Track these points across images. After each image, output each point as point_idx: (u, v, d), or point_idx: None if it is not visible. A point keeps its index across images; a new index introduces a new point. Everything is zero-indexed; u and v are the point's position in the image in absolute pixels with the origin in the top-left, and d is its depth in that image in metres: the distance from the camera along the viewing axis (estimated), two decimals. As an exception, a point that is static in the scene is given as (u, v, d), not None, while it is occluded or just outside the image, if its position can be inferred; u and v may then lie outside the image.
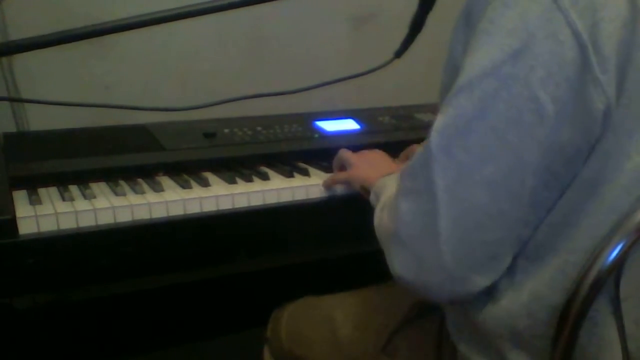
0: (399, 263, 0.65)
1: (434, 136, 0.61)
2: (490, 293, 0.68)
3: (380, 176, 0.88)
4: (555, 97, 0.57)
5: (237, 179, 1.07)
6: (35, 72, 1.34)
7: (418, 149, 0.65)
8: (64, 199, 0.95)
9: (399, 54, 1.01)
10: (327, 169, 1.14)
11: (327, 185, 1.07)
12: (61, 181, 1.02)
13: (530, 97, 0.57)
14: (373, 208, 0.83)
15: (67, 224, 0.89)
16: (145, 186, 1.02)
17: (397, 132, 1.35)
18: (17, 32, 1.28)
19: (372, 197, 0.87)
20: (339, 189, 1.07)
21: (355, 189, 0.99)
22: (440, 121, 0.61)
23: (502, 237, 0.62)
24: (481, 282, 0.63)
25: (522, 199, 0.60)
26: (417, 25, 0.96)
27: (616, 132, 0.59)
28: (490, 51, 0.58)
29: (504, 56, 0.57)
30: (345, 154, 1.07)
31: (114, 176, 1.06)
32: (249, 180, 1.07)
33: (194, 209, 0.98)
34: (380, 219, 0.76)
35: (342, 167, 1.07)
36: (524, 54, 0.57)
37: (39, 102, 1.08)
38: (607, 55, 0.56)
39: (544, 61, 0.56)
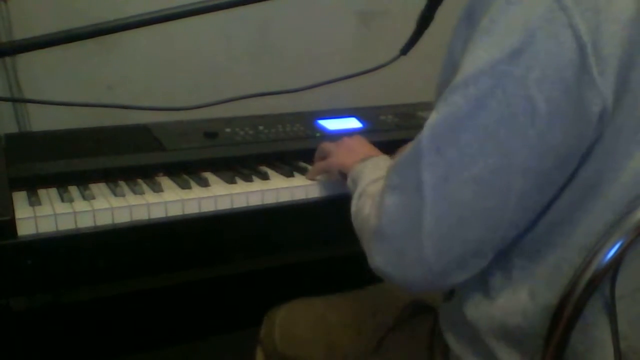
0: (379, 257, 0.66)
1: (426, 132, 0.61)
2: (486, 292, 0.68)
3: (358, 160, 0.88)
4: (549, 97, 0.56)
5: (237, 179, 1.06)
6: (38, 71, 1.34)
7: (409, 144, 0.65)
8: (63, 200, 0.95)
9: (405, 51, 1.00)
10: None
11: (310, 177, 1.08)
12: (61, 182, 1.02)
13: (525, 96, 0.56)
14: (350, 194, 0.82)
15: (66, 225, 0.90)
16: (144, 187, 1.02)
17: (399, 131, 1.34)
18: (22, 32, 1.29)
19: (349, 183, 0.87)
20: (338, 188, 1.05)
21: (334, 177, 0.99)
22: (433, 118, 0.62)
23: (484, 235, 0.62)
24: (459, 277, 0.64)
25: (509, 200, 0.60)
26: (425, 21, 0.94)
27: (618, 132, 0.59)
28: (489, 50, 0.57)
29: (501, 55, 0.57)
30: (324, 144, 1.07)
31: (114, 177, 1.06)
32: (248, 180, 1.06)
33: (192, 209, 0.97)
34: (358, 207, 0.76)
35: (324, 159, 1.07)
36: (523, 54, 0.56)
37: (40, 102, 1.08)
38: (607, 56, 0.55)
39: (541, 61, 0.56)
